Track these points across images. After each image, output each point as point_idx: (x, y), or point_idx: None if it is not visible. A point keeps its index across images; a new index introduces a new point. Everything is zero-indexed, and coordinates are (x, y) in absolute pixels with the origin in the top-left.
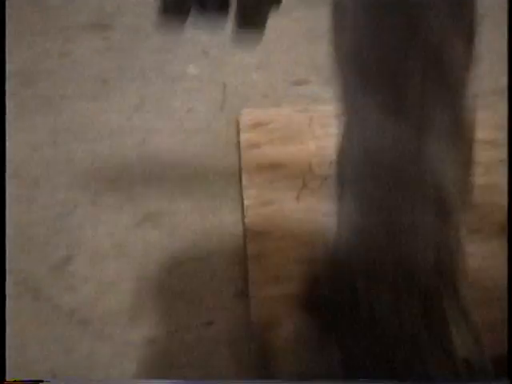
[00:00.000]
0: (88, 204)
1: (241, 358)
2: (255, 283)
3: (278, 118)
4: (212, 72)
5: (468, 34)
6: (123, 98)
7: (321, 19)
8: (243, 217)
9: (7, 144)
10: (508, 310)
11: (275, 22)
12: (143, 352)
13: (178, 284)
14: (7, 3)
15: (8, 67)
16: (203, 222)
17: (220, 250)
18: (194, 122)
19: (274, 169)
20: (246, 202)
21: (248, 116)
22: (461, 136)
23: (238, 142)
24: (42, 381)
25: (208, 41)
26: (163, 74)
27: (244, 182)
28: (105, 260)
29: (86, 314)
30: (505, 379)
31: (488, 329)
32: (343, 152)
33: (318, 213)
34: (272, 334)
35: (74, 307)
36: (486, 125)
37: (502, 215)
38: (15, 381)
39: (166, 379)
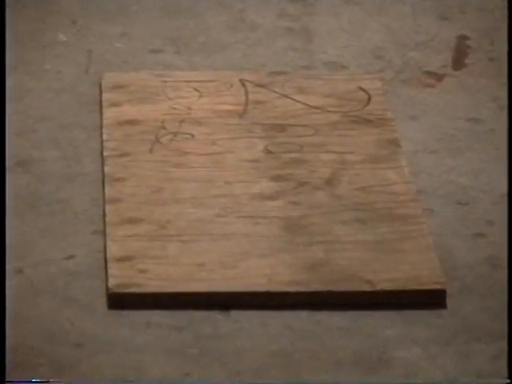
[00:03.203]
0: None
1: (98, 286)
2: (111, 223)
3: (136, 81)
4: (79, 40)
5: None
6: None
7: None
8: (103, 166)
9: None
10: (508, 310)
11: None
12: (12, 281)
13: (43, 222)
14: None
15: None
16: (68, 169)
17: (82, 194)
18: (61, 83)
19: (130, 125)
20: (105, 153)
21: (110, 79)
22: None
23: (101, 102)
24: (40, 381)
25: (76, 11)
26: (35, 41)
27: (104, 135)
28: None
29: None
30: (505, 379)
31: None
32: None
33: (168, 164)
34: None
35: None
36: (316, 92)
37: (327, 170)
38: (15, 381)
39: (165, 379)
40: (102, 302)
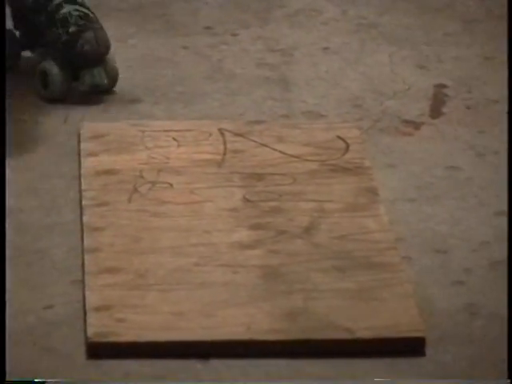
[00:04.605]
0: None
1: (77, 335)
2: (90, 273)
3: (114, 131)
4: None
5: None
6: None
7: (154, 47)
8: (81, 215)
9: None
10: (508, 309)
11: (114, 49)
12: None
13: (21, 272)
14: None
15: None
16: (46, 218)
17: (60, 244)
18: (40, 133)
19: (109, 175)
20: (84, 203)
21: (88, 129)
22: None
23: (79, 151)
24: (39, 381)
25: None
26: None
27: (83, 185)
28: None
29: None
30: (505, 379)
31: None
32: None
33: (146, 213)
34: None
35: None
36: (295, 141)
37: (306, 218)
38: (15, 381)
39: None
40: (81, 351)
